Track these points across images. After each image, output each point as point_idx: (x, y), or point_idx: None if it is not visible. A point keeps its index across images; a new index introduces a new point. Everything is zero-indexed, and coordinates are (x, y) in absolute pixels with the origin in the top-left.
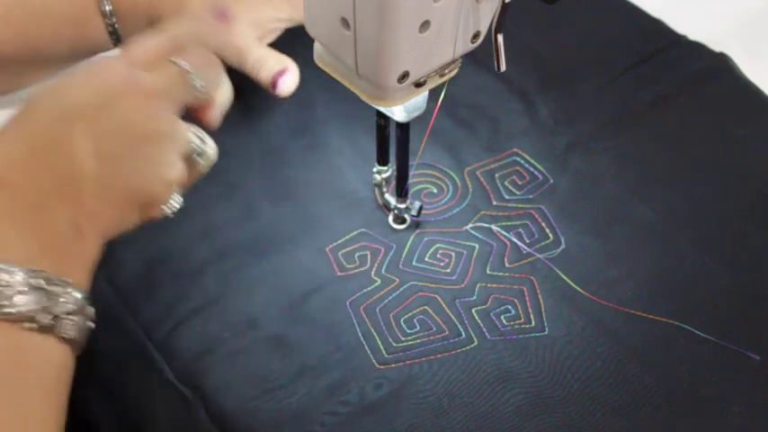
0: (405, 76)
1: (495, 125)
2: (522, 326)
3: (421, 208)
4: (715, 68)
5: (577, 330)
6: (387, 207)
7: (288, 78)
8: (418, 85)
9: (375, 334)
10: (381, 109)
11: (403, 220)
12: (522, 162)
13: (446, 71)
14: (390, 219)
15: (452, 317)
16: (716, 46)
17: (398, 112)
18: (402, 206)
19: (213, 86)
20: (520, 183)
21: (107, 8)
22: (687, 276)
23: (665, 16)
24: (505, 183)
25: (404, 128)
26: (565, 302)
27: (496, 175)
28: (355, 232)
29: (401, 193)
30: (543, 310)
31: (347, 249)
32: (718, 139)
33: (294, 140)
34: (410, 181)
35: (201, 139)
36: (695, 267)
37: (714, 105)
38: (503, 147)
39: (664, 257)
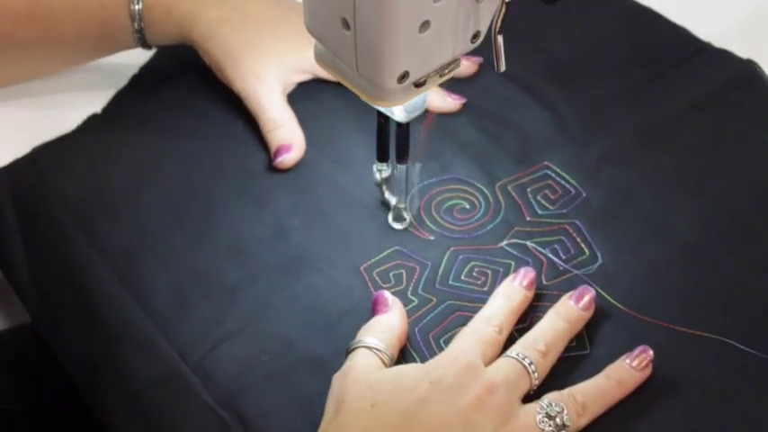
0: (405, 76)
1: (523, 137)
2: None
3: (420, 208)
4: (744, 76)
5: (620, 349)
6: (386, 206)
7: (290, 156)
8: (418, 85)
9: (414, 354)
10: (381, 109)
11: (402, 219)
12: (554, 175)
13: (446, 71)
14: (390, 218)
15: None
16: (716, 46)
17: (398, 112)
18: (402, 205)
19: None
20: (552, 197)
21: (137, 12)
22: (728, 290)
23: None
24: (538, 197)
25: (404, 128)
26: (606, 320)
27: (528, 190)
28: (389, 250)
29: (401, 191)
30: (584, 328)
31: (382, 268)
32: (750, 148)
33: (321, 156)
34: (433, 191)
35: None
36: (735, 281)
37: (745, 114)
38: (533, 159)
39: (702, 271)
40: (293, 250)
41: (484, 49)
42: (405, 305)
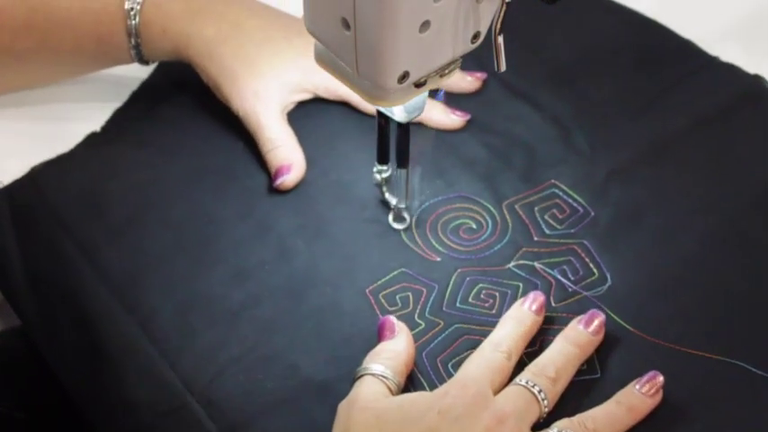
0: (405, 76)
1: (530, 154)
2: None
3: (420, 208)
4: (751, 92)
5: (631, 372)
6: (387, 206)
7: (289, 177)
8: (418, 85)
9: (422, 379)
10: (381, 109)
11: (403, 220)
12: (561, 194)
13: (446, 71)
14: (390, 218)
15: None
16: (715, 46)
17: (398, 112)
18: (402, 205)
19: None
20: (560, 216)
21: (133, 28)
22: (740, 311)
23: (663, 16)
24: (545, 216)
25: (404, 128)
26: (617, 342)
27: (536, 209)
28: (395, 272)
29: (401, 192)
30: (594, 351)
31: (388, 290)
32: (759, 165)
33: (323, 176)
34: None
35: None
36: (747, 301)
37: (753, 130)
38: (540, 177)
39: (714, 291)
40: (297, 273)
41: (484, 50)
42: (411, 329)
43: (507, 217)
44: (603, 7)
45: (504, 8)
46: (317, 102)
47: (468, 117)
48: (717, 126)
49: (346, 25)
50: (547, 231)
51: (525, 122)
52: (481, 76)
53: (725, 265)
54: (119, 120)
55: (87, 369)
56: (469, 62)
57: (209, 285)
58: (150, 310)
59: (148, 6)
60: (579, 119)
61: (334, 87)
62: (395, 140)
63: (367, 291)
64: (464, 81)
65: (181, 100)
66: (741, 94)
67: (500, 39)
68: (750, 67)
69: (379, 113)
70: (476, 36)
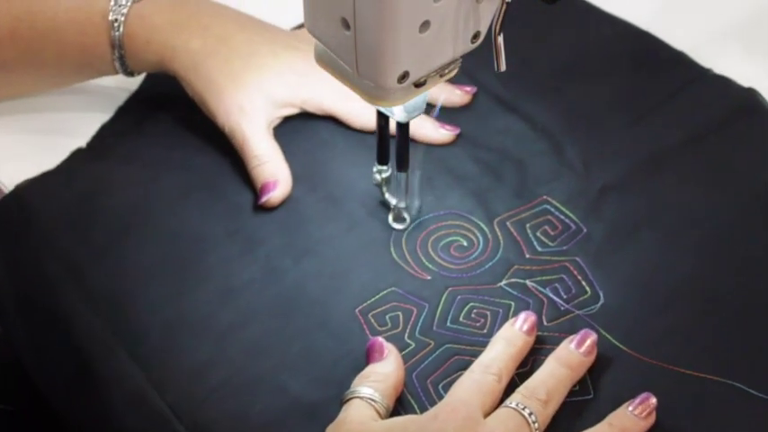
0: (405, 76)
1: (522, 169)
2: None
3: (420, 208)
4: (745, 106)
5: (625, 392)
6: (386, 206)
7: (275, 194)
8: (418, 85)
9: (412, 401)
10: (381, 109)
11: (403, 220)
12: (554, 210)
13: (446, 71)
14: (390, 218)
15: None
16: (716, 46)
17: (398, 112)
18: (402, 205)
19: None
20: (552, 233)
21: (117, 39)
22: (735, 329)
23: (664, 17)
24: (537, 233)
25: (404, 128)
26: (610, 362)
27: (527, 226)
28: (385, 291)
29: (401, 192)
30: (587, 371)
31: (378, 310)
32: (754, 180)
33: (311, 192)
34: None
35: None
36: (743, 319)
37: (747, 144)
38: (532, 193)
39: (709, 309)
40: (286, 292)
41: (484, 50)
42: (402, 349)
43: (499, 234)
44: (596, 18)
45: (504, 8)
46: (304, 117)
47: (457, 131)
48: (710, 140)
49: (346, 25)
50: (539, 249)
51: (516, 136)
52: (471, 89)
53: (720, 283)
54: (105, 135)
55: (76, 395)
56: (460, 76)
57: (196, 305)
58: (137, 334)
59: (133, 18)
60: (571, 133)
61: (320, 102)
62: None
63: (356, 310)
64: (454, 95)
65: (168, 114)
66: (735, 108)
67: (500, 39)
68: (750, 67)
69: (379, 113)
70: (476, 36)
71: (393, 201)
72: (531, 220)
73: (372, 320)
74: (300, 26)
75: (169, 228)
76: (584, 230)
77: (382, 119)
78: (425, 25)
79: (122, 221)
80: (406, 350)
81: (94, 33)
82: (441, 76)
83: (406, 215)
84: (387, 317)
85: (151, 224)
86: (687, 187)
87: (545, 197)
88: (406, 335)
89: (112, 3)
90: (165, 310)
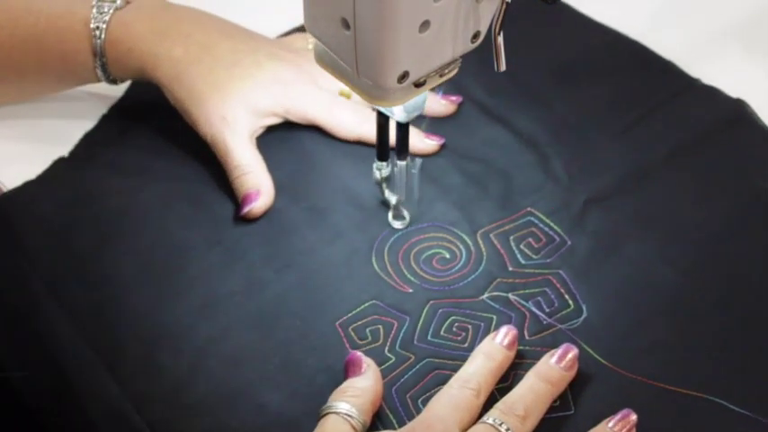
0: (404, 76)
1: (507, 181)
2: None
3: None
4: (734, 117)
5: (606, 408)
6: (386, 205)
7: (257, 204)
8: (418, 85)
9: (391, 416)
10: (381, 109)
11: (402, 218)
12: (538, 222)
13: (446, 71)
14: (390, 216)
15: None
16: (717, 46)
17: (398, 112)
18: (402, 199)
19: None
20: (536, 245)
21: (98, 47)
22: (718, 345)
23: (664, 17)
24: (521, 246)
25: (403, 128)
26: (591, 377)
27: (511, 238)
28: (366, 304)
29: (400, 190)
30: (568, 386)
31: (358, 323)
32: (740, 192)
33: (293, 203)
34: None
35: None
36: (726, 335)
37: (735, 156)
38: (517, 205)
39: (691, 323)
40: (266, 304)
41: (484, 50)
42: (382, 363)
43: (482, 246)
44: (584, 27)
45: (504, 8)
46: (288, 126)
47: (442, 141)
48: (697, 152)
49: (346, 25)
50: (522, 261)
51: (502, 147)
52: (456, 99)
53: (703, 298)
54: (88, 144)
55: (58, 412)
56: (445, 85)
57: (176, 318)
58: (116, 349)
59: (115, 25)
60: (557, 144)
61: (304, 111)
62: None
63: (337, 324)
64: (439, 105)
65: (152, 123)
66: (722, 119)
67: (500, 39)
68: (751, 67)
69: (379, 113)
70: (476, 36)
71: (393, 198)
72: (514, 232)
73: (352, 334)
74: (285, 34)
75: (150, 238)
76: (569, 243)
77: (382, 117)
78: (425, 25)
79: (103, 232)
80: (386, 364)
81: (76, 41)
82: (441, 76)
83: (405, 213)
84: (367, 330)
85: (132, 235)
86: (673, 200)
87: (529, 209)
88: (387, 348)
89: (94, 10)
90: (145, 324)
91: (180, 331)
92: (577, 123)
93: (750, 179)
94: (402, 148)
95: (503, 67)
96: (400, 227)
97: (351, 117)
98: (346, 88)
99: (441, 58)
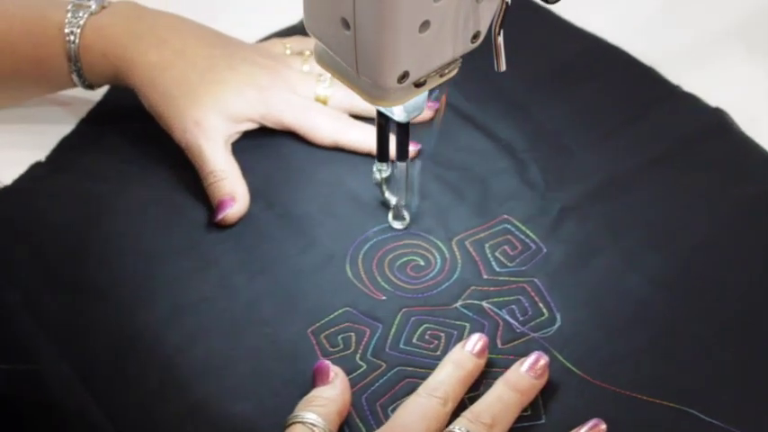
0: (405, 76)
1: (483, 187)
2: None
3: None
4: (712, 126)
5: (577, 418)
6: (386, 206)
7: (232, 211)
8: (418, 85)
9: (361, 424)
10: (381, 109)
11: (402, 219)
12: (513, 230)
13: (446, 71)
14: (390, 217)
15: None
16: (716, 46)
17: (398, 112)
18: (402, 203)
19: None
20: (511, 253)
21: (72, 52)
22: (689, 354)
23: (665, 17)
24: (496, 253)
25: (403, 128)
26: (563, 386)
27: (486, 245)
28: (339, 311)
29: (400, 191)
30: (539, 395)
31: (330, 330)
32: (716, 201)
33: (267, 209)
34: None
35: None
36: (699, 345)
37: (713, 165)
38: (492, 212)
39: (663, 333)
40: (238, 311)
41: (484, 50)
42: (353, 371)
43: (457, 254)
44: (566, 33)
45: (504, 8)
46: (263, 132)
47: (418, 147)
48: (675, 160)
49: (346, 25)
50: (497, 269)
51: (479, 154)
52: (433, 105)
53: (677, 307)
54: (65, 149)
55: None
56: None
57: (146, 325)
58: (89, 360)
59: (89, 30)
60: (534, 151)
61: (279, 117)
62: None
63: (308, 331)
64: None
65: (129, 128)
66: (701, 128)
67: (500, 39)
68: (751, 67)
69: (379, 113)
70: (476, 36)
71: (393, 199)
72: (490, 239)
73: (324, 341)
74: (263, 40)
75: (125, 244)
76: (544, 250)
77: (382, 118)
78: (425, 25)
79: (78, 238)
80: (357, 372)
81: (51, 46)
82: (441, 76)
83: (405, 214)
84: (339, 337)
85: (107, 241)
86: (649, 208)
87: (505, 216)
88: (358, 356)
89: (69, 15)
90: (115, 334)
91: (149, 340)
92: (555, 130)
93: (727, 188)
94: (402, 148)
95: (503, 68)
96: (400, 227)
97: (327, 123)
98: (322, 93)
99: (441, 58)
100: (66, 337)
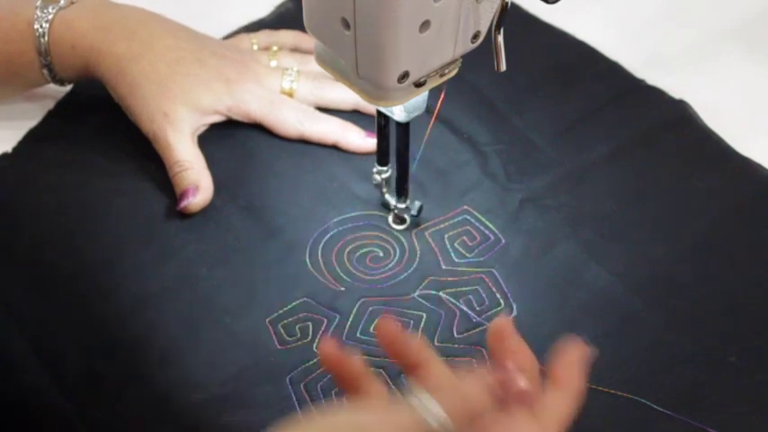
0: (405, 76)
1: (445, 179)
2: None
3: (421, 207)
4: (674, 118)
5: None
6: (387, 207)
7: (195, 200)
8: (418, 85)
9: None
10: (381, 109)
11: (402, 221)
12: (473, 221)
13: (446, 71)
14: (390, 219)
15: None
16: (716, 46)
17: (398, 112)
18: (402, 206)
19: None
20: (470, 244)
21: (43, 46)
22: (643, 344)
23: (665, 17)
24: (455, 244)
25: (404, 128)
26: None
27: (446, 236)
28: (297, 301)
29: (401, 192)
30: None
31: (288, 320)
32: (677, 193)
33: (230, 201)
34: (347, 237)
35: None
36: (652, 334)
37: (674, 157)
38: (453, 204)
39: (619, 323)
40: (197, 301)
41: (484, 49)
42: (309, 359)
43: (416, 244)
44: (529, 28)
45: (504, 7)
46: (230, 124)
47: None
48: (637, 152)
49: (346, 25)
50: (456, 259)
51: (441, 147)
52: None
53: (635, 298)
54: (31, 140)
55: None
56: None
57: (110, 318)
58: (60, 359)
59: (58, 24)
60: (497, 143)
61: (246, 110)
62: (395, 140)
63: (267, 321)
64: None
65: (96, 119)
66: (664, 120)
67: (500, 38)
68: (751, 67)
69: (379, 113)
70: (476, 36)
71: (393, 202)
72: (450, 230)
73: (282, 330)
74: (230, 35)
75: (89, 235)
76: (503, 241)
77: (382, 119)
78: (425, 25)
79: (44, 230)
80: (313, 361)
81: (20, 41)
82: (441, 75)
83: (406, 216)
84: (297, 327)
85: (71, 232)
86: (609, 200)
87: (466, 207)
88: (315, 345)
89: (38, 11)
90: (81, 328)
91: (113, 333)
92: (519, 122)
93: (687, 179)
94: (401, 148)
95: (503, 67)
96: (401, 229)
97: (293, 115)
98: (288, 87)
99: (441, 58)
100: (39, 336)
